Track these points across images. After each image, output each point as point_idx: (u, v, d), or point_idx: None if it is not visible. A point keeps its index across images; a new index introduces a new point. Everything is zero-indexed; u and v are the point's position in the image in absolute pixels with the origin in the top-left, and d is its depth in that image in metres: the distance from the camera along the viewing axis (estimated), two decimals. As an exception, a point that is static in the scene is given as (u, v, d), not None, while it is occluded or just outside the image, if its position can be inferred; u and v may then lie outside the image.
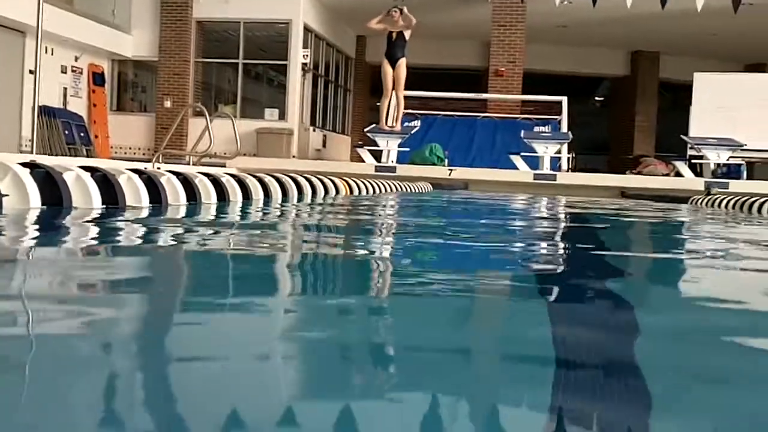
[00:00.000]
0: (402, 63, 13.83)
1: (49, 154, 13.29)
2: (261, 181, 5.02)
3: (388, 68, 13.94)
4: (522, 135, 14.65)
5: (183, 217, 3.65)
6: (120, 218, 3.20)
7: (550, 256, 3.00)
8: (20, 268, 1.98)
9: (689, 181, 13.78)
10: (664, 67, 22.34)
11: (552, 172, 14.02)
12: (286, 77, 17.70)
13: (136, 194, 3.59)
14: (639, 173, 16.48)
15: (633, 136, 22.63)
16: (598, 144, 23.97)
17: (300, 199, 5.43)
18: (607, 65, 22.96)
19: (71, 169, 3.27)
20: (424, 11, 17.16)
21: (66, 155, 14.56)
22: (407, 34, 13.72)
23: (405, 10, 13.56)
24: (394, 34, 13.75)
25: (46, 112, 15.17)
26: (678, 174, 14.78)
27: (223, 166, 10.59)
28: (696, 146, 15.08)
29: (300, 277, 2.08)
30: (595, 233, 4.73)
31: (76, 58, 16.72)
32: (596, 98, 25.78)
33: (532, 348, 1.28)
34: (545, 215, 6.19)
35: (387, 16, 13.71)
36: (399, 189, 8.49)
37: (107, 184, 3.43)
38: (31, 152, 10.72)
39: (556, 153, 14.75)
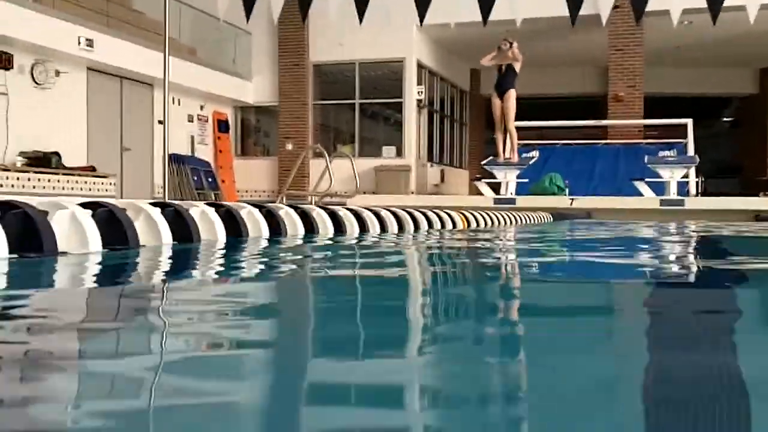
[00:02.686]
0: (511, 95, 13.70)
1: (180, 200, 13.90)
2: (377, 214, 5.06)
3: (496, 100, 13.88)
4: (646, 160, 14.21)
5: (302, 246, 3.72)
6: (243, 247, 3.30)
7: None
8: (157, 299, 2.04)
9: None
10: (797, 82, 21.25)
11: (679, 198, 13.51)
12: (402, 114, 17.91)
13: (256, 227, 3.69)
14: (775, 195, 15.61)
15: (766, 157, 21.51)
16: (728, 166, 22.97)
17: (416, 231, 5.43)
18: (734, 84, 22.03)
19: (197, 206, 3.39)
20: (538, 40, 17.06)
21: (196, 200, 15.19)
22: (517, 66, 13.62)
23: (515, 45, 13.46)
24: (503, 67, 13.70)
25: (175, 159, 15.93)
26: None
27: (344, 204, 10.76)
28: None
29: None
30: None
31: (202, 107, 17.53)
32: (724, 119, 24.73)
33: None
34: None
35: (498, 51, 13.66)
36: (518, 220, 8.36)
37: (231, 218, 3.54)
38: (163, 198, 11.25)
39: (683, 177, 14.22)
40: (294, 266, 2.96)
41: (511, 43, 13.46)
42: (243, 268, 2.84)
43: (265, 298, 2.18)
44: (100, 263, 2.64)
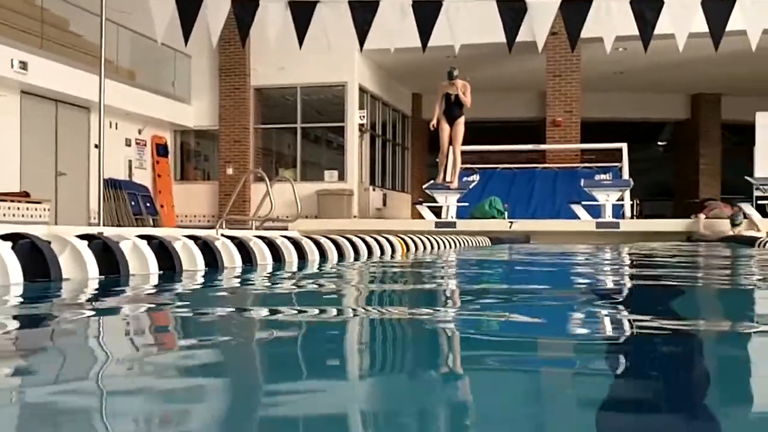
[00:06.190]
0: (460, 121, 13.97)
1: (116, 226, 13.65)
2: (316, 242, 5.03)
3: (445, 126, 14.04)
4: (582, 184, 14.49)
5: (239, 278, 3.67)
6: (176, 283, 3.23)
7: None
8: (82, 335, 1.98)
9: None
10: (726, 108, 21.94)
11: (615, 220, 13.80)
12: (344, 138, 17.92)
13: (192, 259, 3.62)
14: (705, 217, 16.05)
15: (698, 180, 22.17)
16: (663, 189, 23.60)
17: (356, 258, 5.41)
18: (667, 110, 22.67)
19: (128, 238, 3.32)
20: (477, 65, 17.28)
21: (133, 226, 14.92)
22: (465, 101, 13.86)
23: (458, 81, 13.67)
24: (452, 96, 13.88)
25: (112, 184, 15.64)
26: (745, 216, 14.37)
27: (285, 229, 10.70)
28: (761, 187, 14.69)
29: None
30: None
31: (140, 131, 17.27)
32: (659, 143, 25.40)
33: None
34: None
35: (442, 86, 13.84)
36: (456, 244, 8.42)
37: (164, 251, 3.47)
38: (99, 224, 11.00)
39: (618, 200, 14.53)
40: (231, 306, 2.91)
41: (453, 76, 13.68)
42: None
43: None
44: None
